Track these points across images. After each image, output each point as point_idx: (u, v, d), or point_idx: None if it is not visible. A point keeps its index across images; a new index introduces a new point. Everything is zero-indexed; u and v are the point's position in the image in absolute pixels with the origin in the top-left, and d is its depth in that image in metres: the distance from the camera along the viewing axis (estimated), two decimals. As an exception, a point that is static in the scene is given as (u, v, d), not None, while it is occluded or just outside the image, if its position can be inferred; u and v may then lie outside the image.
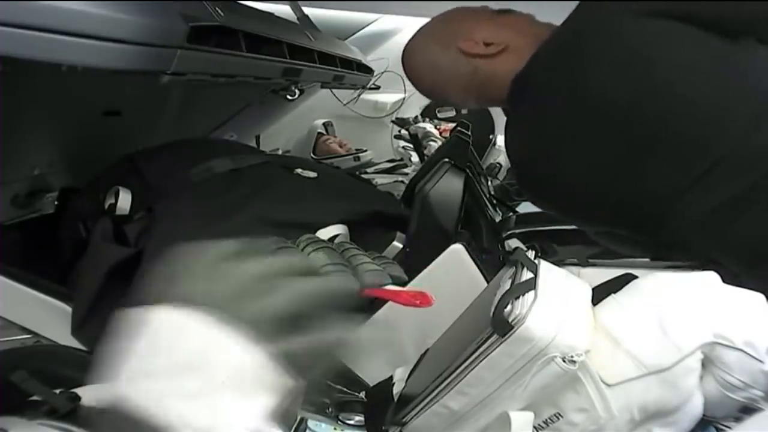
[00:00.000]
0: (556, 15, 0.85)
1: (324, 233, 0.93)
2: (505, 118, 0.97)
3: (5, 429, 0.42)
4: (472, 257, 0.94)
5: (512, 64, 0.87)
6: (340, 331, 0.48)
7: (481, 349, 0.55)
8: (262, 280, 0.47)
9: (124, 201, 0.96)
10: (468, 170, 1.12)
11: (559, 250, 0.95)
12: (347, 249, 0.49)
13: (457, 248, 0.94)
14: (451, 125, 2.42)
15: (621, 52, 0.75)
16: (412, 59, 1.00)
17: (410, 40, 1.01)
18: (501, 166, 2.34)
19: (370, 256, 0.49)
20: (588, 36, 0.78)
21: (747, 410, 0.56)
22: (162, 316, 0.43)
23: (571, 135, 0.80)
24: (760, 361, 0.53)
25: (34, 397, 0.51)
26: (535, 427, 0.56)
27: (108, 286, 0.86)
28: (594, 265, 0.83)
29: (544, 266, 0.62)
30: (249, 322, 0.47)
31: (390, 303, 0.96)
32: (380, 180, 2.10)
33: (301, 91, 1.60)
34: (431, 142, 2.27)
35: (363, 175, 2.17)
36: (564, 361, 0.52)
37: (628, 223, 0.83)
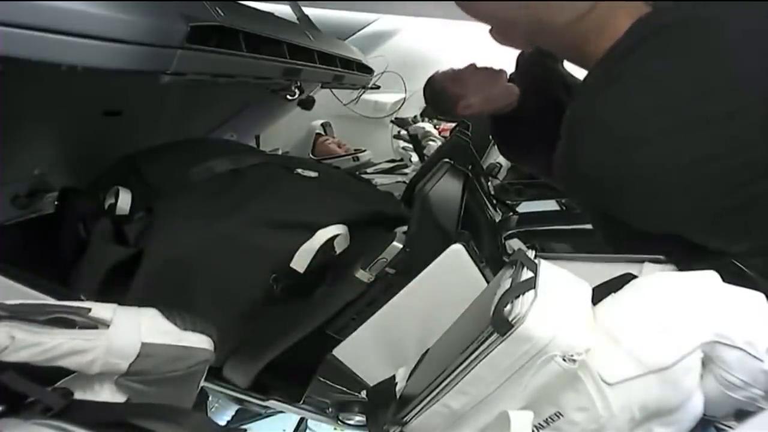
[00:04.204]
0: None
1: (324, 233, 0.93)
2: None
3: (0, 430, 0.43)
4: (472, 257, 0.94)
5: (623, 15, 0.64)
6: None
7: (481, 348, 0.55)
8: None
9: (124, 201, 0.96)
10: (468, 170, 1.12)
11: (558, 248, 0.95)
12: None
13: (457, 248, 0.94)
14: (451, 125, 2.41)
15: None
16: None
17: None
18: (501, 166, 2.33)
19: None
20: None
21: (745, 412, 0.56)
22: None
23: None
24: (760, 360, 0.53)
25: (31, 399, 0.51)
26: (535, 426, 0.56)
27: (108, 287, 0.86)
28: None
29: (544, 265, 0.62)
30: None
31: (390, 303, 0.96)
32: (380, 180, 2.09)
33: (301, 91, 1.60)
34: (430, 142, 2.27)
35: (363, 175, 2.17)
36: (564, 360, 0.52)
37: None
